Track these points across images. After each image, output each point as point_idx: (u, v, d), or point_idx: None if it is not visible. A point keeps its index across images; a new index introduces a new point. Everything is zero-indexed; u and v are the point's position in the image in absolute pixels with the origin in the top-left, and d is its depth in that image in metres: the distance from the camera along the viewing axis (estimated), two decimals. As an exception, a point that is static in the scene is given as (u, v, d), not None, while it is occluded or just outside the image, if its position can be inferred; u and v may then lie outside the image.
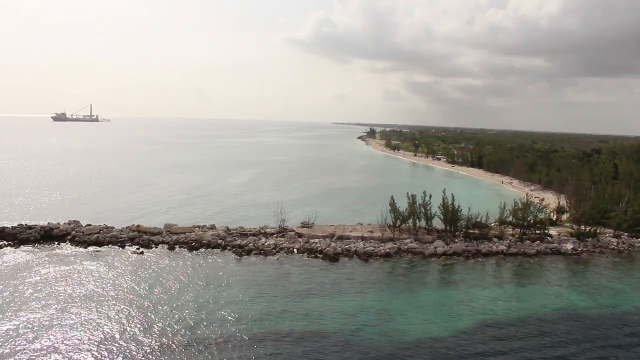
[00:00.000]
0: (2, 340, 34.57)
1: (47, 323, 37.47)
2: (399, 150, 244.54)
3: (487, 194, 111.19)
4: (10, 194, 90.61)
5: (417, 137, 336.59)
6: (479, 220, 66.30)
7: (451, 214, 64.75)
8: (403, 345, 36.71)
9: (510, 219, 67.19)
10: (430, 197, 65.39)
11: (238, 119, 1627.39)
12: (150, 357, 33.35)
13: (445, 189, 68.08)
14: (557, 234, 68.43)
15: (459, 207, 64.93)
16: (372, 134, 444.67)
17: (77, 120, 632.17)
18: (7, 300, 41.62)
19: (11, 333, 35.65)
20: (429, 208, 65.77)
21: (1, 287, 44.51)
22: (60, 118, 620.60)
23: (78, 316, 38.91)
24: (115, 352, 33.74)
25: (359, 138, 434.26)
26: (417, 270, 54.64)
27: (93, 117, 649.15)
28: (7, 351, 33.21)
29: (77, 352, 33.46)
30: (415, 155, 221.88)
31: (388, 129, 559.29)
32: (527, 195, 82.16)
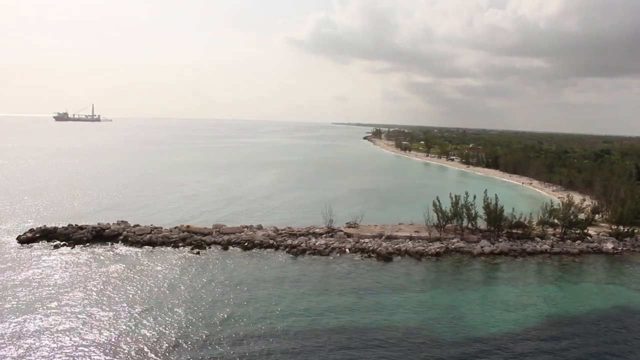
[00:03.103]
0: (74, 334, 35.89)
1: (122, 319, 38.78)
2: (409, 151, 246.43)
3: (511, 194, 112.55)
4: (40, 195, 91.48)
5: (422, 137, 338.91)
6: (520, 220, 67.73)
7: (494, 214, 66.21)
8: (476, 340, 38.02)
9: (551, 219, 68.71)
10: (474, 197, 66.86)
11: (238, 119, 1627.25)
12: (230, 354, 34.67)
13: (486, 190, 69.70)
14: (595, 233, 70.01)
15: (502, 207, 66.43)
16: (377, 134, 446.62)
17: (79, 119, 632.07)
18: (82, 296, 42.84)
19: (86, 328, 36.95)
20: (472, 208, 67.20)
21: (72, 282, 45.77)
22: (62, 118, 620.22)
23: (157, 314, 40.18)
24: (193, 349, 35.02)
25: (364, 138, 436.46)
26: (470, 269, 56.12)
27: (95, 117, 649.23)
28: (76, 346, 34.50)
29: (151, 349, 34.74)
30: (427, 156, 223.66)
31: (390, 129, 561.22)
32: (567, 195, 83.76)
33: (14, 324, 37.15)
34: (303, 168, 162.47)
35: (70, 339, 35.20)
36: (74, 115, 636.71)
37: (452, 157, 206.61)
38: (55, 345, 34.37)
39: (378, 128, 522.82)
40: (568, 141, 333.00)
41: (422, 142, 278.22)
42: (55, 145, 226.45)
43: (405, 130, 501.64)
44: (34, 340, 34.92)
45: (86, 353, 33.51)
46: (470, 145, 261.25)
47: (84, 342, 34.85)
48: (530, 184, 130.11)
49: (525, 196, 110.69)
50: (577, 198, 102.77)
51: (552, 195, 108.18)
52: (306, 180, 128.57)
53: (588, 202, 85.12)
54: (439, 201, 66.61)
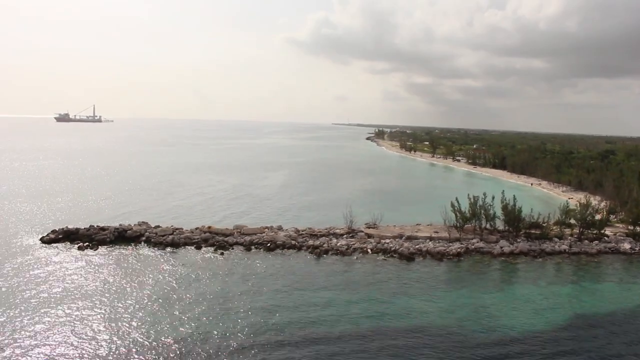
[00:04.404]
0: (113, 335, 36.52)
1: (158, 320, 39.39)
2: (414, 152, 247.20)
3: (521, 195, 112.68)
4: (56, 196, 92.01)
5: (425, 137, 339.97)
6: (537, 220, 68.36)
7: (512, 215, 66.86)
8: (509, 339, 38.52)
9: (568, 219, 69.41)
10: (493, 198, 67.52)
11: (239, 120, 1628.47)
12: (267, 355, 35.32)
13: (503, 191, 70.38)
14: (612, 234, 70.69)
15: (520, 208, 67.12)
16: (380, 134, 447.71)
17: (80, 120, 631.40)
18: (120, 297, 43.45)
19: (124, 327, 37.55)
20: (490, 209, 67.82)
21: (106, 283, 46.36)
22: (63, 118, 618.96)
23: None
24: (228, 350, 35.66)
25: (367, 139, 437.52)
26: (492, 269, 56.81)
27: (96, 118, 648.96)
28: (119, 346, 35.10)
29: (183, 349, 35.37)
30: (433, 156, 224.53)
31: (392, 130, 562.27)
32: (585, 196, 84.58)
33: (49, 323, 37.75)
34: (309, 169, 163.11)
35: (113, 340, 35.83)
36: (75, 116, 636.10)
37: (458, 158, 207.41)
38: (94, 345, 34.97)
39: (381, 129, 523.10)
40: (570, 142, 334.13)
41: (426, 143, 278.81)
42: (61, 146, 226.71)
43: (408, 131, 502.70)
44: (75, 339, 35.55)
45: (133, 353, 34.13)
46: (475, 146, 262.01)
47: (127, 343, 35.47)
48: (540, 184, 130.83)
49: (536, 197, 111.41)
50: (590, 199, 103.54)
51: (563, 196, 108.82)
52: (315, 182, 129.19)
53: (604, 203, 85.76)
54: (458, 202, 67.26)
